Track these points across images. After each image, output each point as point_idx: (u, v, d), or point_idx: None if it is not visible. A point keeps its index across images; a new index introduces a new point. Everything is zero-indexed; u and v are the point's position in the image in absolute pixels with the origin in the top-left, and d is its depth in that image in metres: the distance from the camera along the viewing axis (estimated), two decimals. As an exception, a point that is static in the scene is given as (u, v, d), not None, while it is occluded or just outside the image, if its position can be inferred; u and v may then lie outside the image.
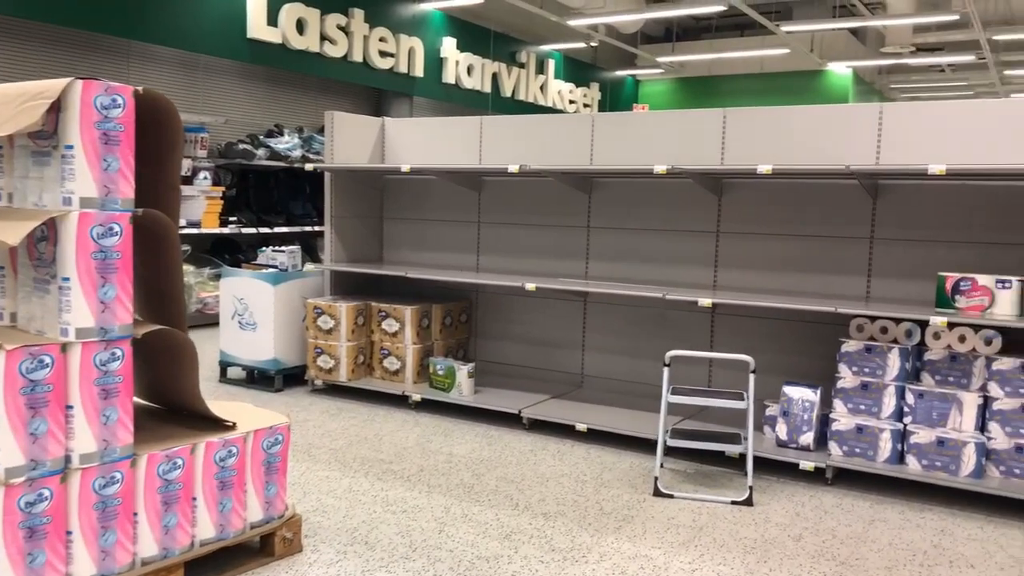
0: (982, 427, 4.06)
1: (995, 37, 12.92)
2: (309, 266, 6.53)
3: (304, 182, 9.95)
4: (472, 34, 13.50)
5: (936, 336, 4.20)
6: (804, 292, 4.92)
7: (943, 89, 20.58)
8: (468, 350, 6.16)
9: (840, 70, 16.49)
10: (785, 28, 13.11)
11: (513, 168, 4.99)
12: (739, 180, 5.08)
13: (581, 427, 4.83)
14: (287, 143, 9.63)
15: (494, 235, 6.00)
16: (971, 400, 4.05)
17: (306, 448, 4.60)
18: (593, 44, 16.15)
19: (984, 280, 4.07)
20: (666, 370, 4.13)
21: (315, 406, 5.51)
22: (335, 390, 5.93)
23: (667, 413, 4.76)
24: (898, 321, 4.27)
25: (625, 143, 5.42)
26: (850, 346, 4.33)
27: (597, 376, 5.65)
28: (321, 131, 10.39)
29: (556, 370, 5.81)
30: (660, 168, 4.53)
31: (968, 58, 15.05)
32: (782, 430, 4.45)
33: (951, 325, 4.11)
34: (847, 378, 4.34)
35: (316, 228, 9.67)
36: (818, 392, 4.41)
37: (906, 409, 4.20)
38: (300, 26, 10.13)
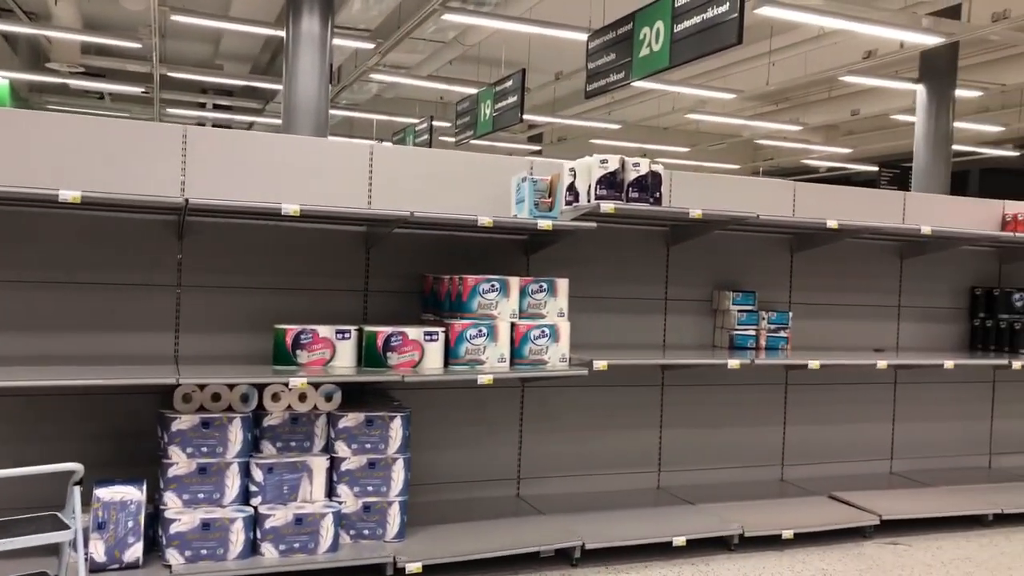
0: (331, 492, 3.71)
1: (171, 74, 13.05)
2: None
3: None
4: None
5: (275, 398, 3.68)
6: (94, 356, 3.78)
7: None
8: None
9: (-5, 79, 14.32)
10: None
11: None
12: (-10, 205, 3.61)
13: None
14: None
15: None
16: (320, 464, 3.67)
17: None
18: None
19: (325, 331, 3.74)
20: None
21: None
22: None
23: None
24: (232, 385, 3.60)
25: None
26: (183, 422, 3.46)
27: None
28: None
29: None
30: None
31: (137, 90, 14.90)
32: (99, 548, 3.27)
33: (315, 385, 3.64)
34: (180, 463, 3.45)
35: None
36: (143, 487, 3.40)
37: (253, 488, 3.56)
38: None
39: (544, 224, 3.79)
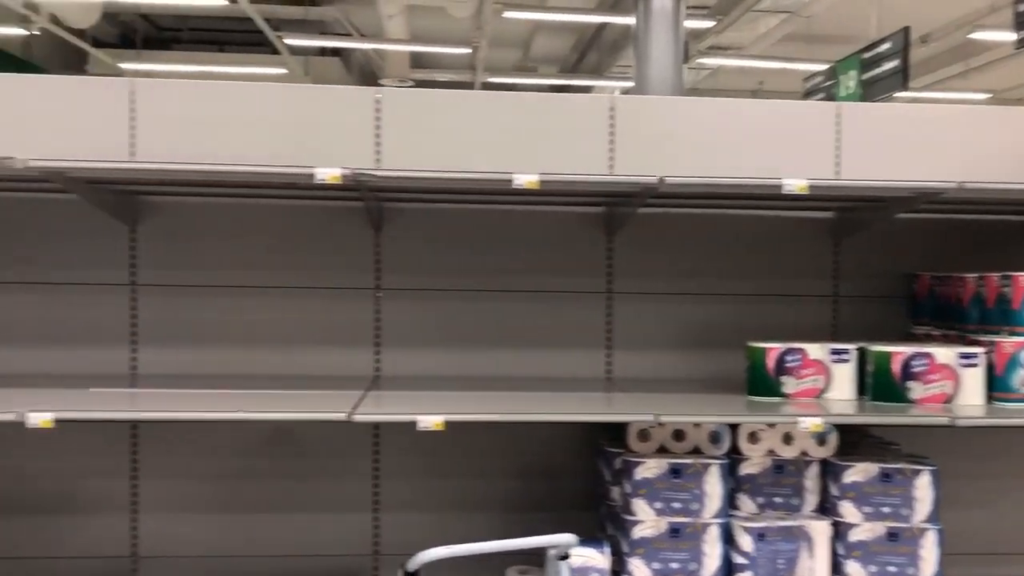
0: (835, 569, 2.76)
1: (492, 79, 13.05)
2: None
3: None
4: None
5: (753, 438, 2.81)
6: (517, 376, 3.16)
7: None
8: None
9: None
10: (289, 41, 11.37)
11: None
12: (405, 204, 3.12)
13: None
14: None
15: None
16: (822, 531, 2.73)
17: None
18: (34, 32, 12.29)
19: (816, 352, 2.80)
20: (413, 592, 1.96)
21: None
22: None
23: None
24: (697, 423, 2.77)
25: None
26: (649, 468, 2.69)
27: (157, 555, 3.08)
28: None
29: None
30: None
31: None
32: (559, 629, 2.59)
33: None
34: (648, 521, 2.69)
35: None
36: (606, 550, 2.68)
37: (739, 559, 2.70)
38: None
39: None
